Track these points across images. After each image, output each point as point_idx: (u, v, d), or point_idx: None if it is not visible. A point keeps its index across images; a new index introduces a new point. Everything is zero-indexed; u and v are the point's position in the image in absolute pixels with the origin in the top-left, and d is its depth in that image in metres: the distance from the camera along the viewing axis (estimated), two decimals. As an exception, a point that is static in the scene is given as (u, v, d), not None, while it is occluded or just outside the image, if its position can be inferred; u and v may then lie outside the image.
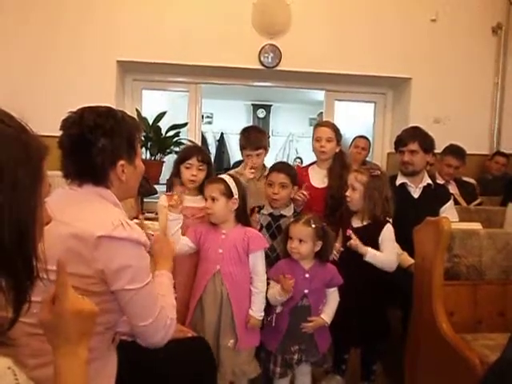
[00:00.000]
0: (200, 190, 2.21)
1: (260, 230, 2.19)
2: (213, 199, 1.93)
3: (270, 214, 2.26)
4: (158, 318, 1.23)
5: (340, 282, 1.98)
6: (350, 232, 2.09)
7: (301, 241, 1.91)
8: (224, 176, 2.03)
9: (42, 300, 0.87)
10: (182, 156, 2.24)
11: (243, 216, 2.02)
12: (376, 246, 2.08)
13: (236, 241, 1.93)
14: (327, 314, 1.97)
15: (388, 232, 2.09)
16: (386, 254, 2.06)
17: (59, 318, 0.84)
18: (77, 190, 1.23)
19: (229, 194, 1.94)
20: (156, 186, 3.48)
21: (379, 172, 2.19)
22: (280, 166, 2.33)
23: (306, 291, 1.93)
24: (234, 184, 1.98)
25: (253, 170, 2.45)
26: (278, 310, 1.96)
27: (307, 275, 1.93)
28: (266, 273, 1.99)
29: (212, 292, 1.91)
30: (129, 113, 1.41)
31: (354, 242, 2.05)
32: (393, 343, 2.22)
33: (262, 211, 2.28)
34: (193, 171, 2.17)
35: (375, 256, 2.05)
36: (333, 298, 2.00)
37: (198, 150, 2.25)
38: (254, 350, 2.00)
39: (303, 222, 1.92)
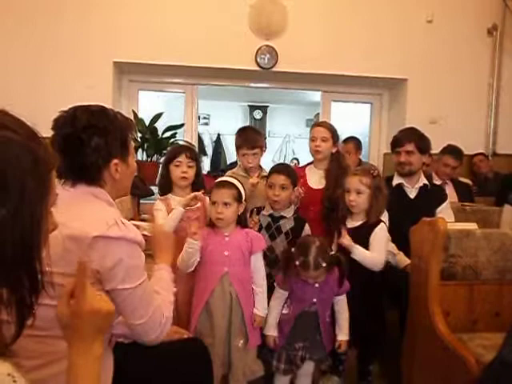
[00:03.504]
0: (192, 188, 2.21)
1: (259, 231, 2.19)
2: (225, 204, 1.91)
3: (270, 215, 2.26)
4: (153, 316, 1.23)
5: (347, 288, 1.97)
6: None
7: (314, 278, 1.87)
8: (232, 180, 2.01)
9: (60, 295, 0.87)
10: (170, 155, 2.24)
11: (243, 218, 2.02)
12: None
13: (240, 242, 1.94)
14: (344, 333, 2.00)
15: (380, 231, 2.09)
16: (373, 253, 2.06)
17: (76, 317, 0.84)
18: (70, 190, 1.23)
19: (239, 198, 1.95)
20: (152, 187, 3.48)
21: (377, 171, 2.21)
22: (280, 168, 2.33)
23: (314, 300, 1.92)
24: (242, 188, 1.98)
25: (257, 179, 2.46)
26: (285, 311, 1.96)
27: (317, 285, 1.91)
28: (268, 274, 2.02)
29: (220, 294, 1.91)
30: (125, 114, 1.41)
31: (346, 240, 2.04)
32: (389, 343, 2.22)
33: (262, 212, 2.28)
34: (183, 168, 2.17)
35: (362, 253, 2.04)
36: (343, 313, 2.00)
37: (185, 148, 2.25)
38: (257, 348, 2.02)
39: (313, 268, 1.80)
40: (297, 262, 1.82)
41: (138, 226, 1.51)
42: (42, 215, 0.72)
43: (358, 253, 2.04)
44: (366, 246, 2.08)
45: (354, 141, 3.96)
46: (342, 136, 3.56)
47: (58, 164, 1.23)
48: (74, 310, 0.84)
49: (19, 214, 0.67)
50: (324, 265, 1.80)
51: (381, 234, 2.09)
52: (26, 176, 0.68)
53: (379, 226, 2.10)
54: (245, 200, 1.98)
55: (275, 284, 1.98)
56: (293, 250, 1.88)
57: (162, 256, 1.49)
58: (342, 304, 2.01)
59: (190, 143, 2.53)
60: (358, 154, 3.97)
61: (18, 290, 0.70)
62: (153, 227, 1.49)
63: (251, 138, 2.56)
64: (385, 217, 2.19)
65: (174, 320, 2.00)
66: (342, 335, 2.01)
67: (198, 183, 2.24)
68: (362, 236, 2.10)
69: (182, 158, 2.17)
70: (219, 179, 2.06)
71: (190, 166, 2.18)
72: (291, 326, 1.94)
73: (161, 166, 2.29)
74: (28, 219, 0.68)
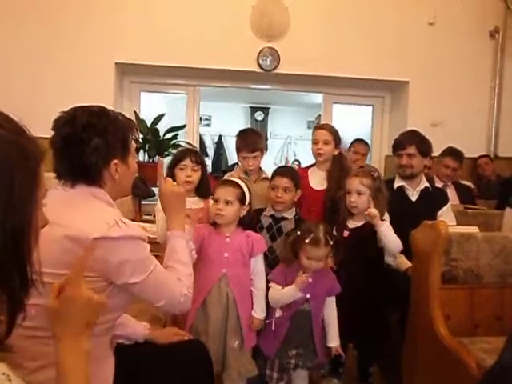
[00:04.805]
0: (196, 191, 2.21)
1: (260, 232, 2.19)
2: (227, 202, 1.91)
3: (271, 216, 2.26)
4: (171, 297, 1.27)
5: (338, 290, 1.98)
6: (346, 233, 2.09)
7: (319, 260, 1.89)
8: (238, 181, 2.03)
9: (52, 287, 0.87)
10: (175, 159, 2.23)
11: (246, 220, 2.02)
12: (372, 245, 2.10)
13: (241, 244, 1.94)
14: (335, 338, 1.99)
15: (386, 226, 2.10)
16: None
17: (68, 303, 0.85)
18: (70, 190, 1.22)
19: (242, 200, 1.95)
20: (154, 189, 3.48)
21: (377, 173, 2.23)
22: (283, 170, 2.33)
23: (307, 296, 1.92)
24: (247, 191, 1.98)
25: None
26: (278, 314, 1.94)
27: (310, 280, 1.91)
28: (267, 275, 2.01)
29: (217, 295, 1.91)
30: (127, 115, 1.40)
31: (374, 211, 2.06)
32: (390, 346, 2.21)
33: (263, 213, 2.28)
34: (187, 172, 2.16)
35: (388, 228, 2.06)
36: (332, 317, 2.00)
37: (191, 151, 2.25)
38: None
39: (323, 244, 1.86)
40: (306, 241, 1.85)
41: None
42: (32, 210, 0.72)
43: (386, 225, 2.06)
44: (367, 245, 2.09)
45: (365, 144, 3.96)
46: (344, 138, 3.56)
47: (58, 165, 1.23)
48: (67, 296, 0.85)
49: (9, 209, 0.67)
50: (331, 243, 1.87)
51: (388, 228, 2.09)
52: (14, 171, 0.68)
53: (385, 223, 2.10)
54: (249, 203, 1.98)
55: (269, 282, 1.97)
56: (298, 233, 1.92)
57: (173, 218, 1.43)
58: (331, 306, 2.00)
59: (192, 145, 2.52)
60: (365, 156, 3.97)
61: (9, 285, 0.70)
62: (163, 183, 1.44)
63: (251, 140, 2.56)
64: (386, 219, 2.18)
65: (171, 319, 2.01)
66: (333, 341, 1.99)
67: (203, 187, 2.24)
68: (364, 236, 2.10)
69: (187, 162, 2.16)
70: (225, 178, 2.06)
71: (194, 170, 2.17)
72: (286, 329, 1.93)
73: (166, 169, 2.28)
74: (18, 214, 0.68)
